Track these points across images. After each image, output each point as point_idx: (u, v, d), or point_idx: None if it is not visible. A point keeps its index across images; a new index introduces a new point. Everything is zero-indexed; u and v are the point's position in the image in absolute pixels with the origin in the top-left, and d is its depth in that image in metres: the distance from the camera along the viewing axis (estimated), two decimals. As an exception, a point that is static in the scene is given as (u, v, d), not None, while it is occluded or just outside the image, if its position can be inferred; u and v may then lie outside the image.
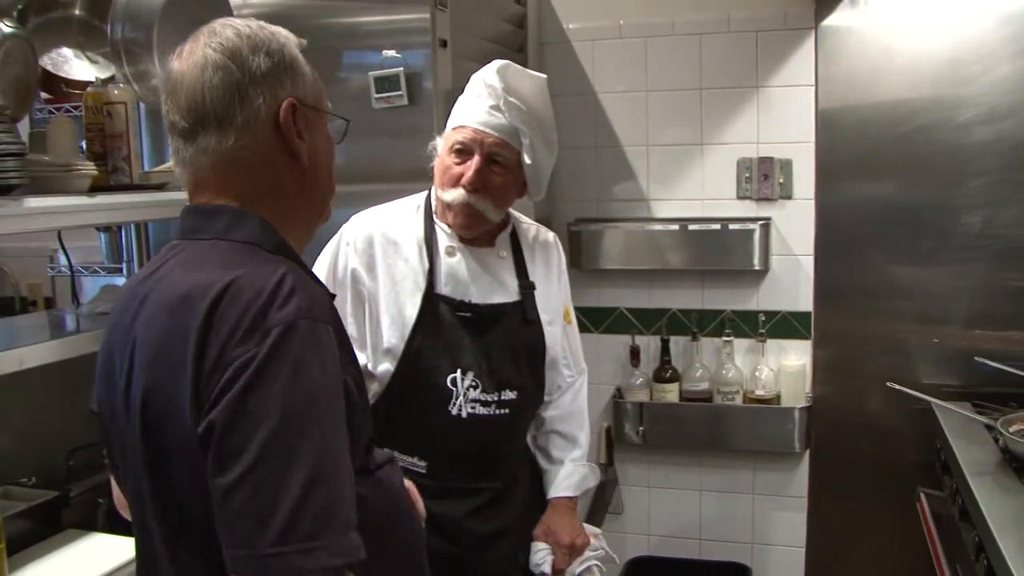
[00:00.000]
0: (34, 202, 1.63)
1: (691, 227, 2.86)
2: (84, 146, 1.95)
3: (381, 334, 1.79)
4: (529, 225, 2.00)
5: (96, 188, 1.82)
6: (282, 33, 1.18)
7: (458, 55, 2.29)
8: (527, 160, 1.80)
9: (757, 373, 2.86)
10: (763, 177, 2.84)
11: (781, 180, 2.82)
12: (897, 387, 2.37)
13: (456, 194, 1.78)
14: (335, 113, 1.24)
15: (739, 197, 2.88)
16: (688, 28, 2.87)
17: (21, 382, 1.79)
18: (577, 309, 2.11)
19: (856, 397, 2.79)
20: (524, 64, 2.90)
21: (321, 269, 1.83)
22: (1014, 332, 2.59)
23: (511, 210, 1.95)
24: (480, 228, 1.85)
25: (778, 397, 2.86)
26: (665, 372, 2.94)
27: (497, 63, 1.81)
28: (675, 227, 2.88)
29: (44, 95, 2.20)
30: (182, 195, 1.98)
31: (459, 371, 1.79)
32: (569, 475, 1.97)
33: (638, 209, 3.00)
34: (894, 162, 2.69)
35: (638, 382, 2.97)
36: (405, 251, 1.83)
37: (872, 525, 2.76)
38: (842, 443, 2.83)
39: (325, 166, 1.21)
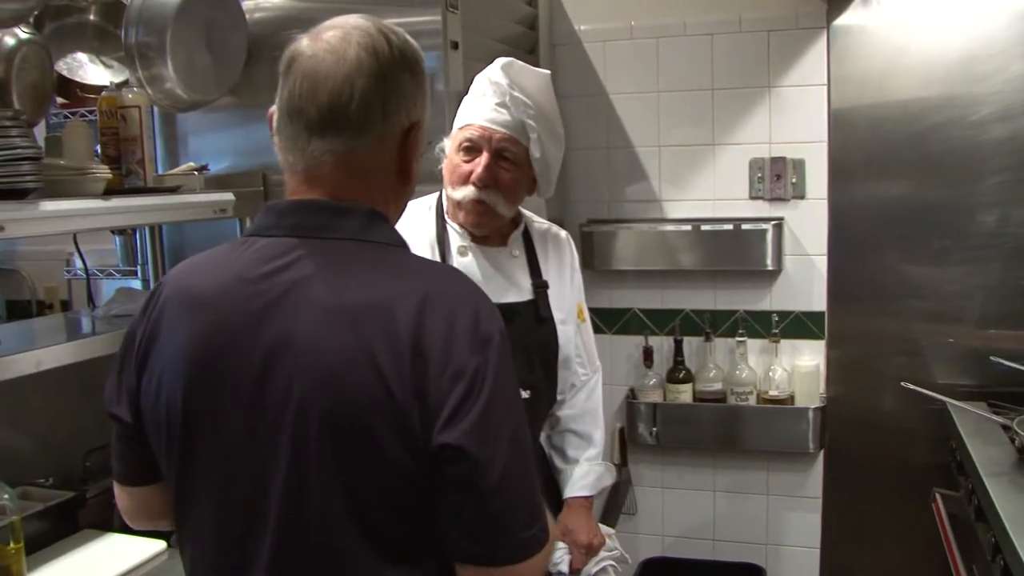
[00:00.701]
0: (50, 205, 1.65)
1: (703, 227, 2.85)
2: (99, 150, 1.96)
3: None
4: (541, 223, 2.00)
5: (110, 191, 1.83)
6: (415, 44, 1.17)
7: (469, 57, 2.29)
8: (535, 154, 1.80)
9: (771, 373, 2.85)
10: (776, 177, 2.83)
11: (794, 180, 2.82)
12: (912, 387, 2.36)
13: (467, 191, 1.79)
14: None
15: (752, 197, 2.88)
16: (699, 29, 2.87)
17: (38, 384, 1.81)
18: (590, 310, 2.11)
19: (870, 397, 2.78)
20: (536, 65, 2.92)
21: None
22: (1029, 332, 2.58)
23: (523, 209, 1.95)
24: (492, 225, 1.85)
25: (792, 397, 2.85)
26: (678, 373, 2.93)
27: (500, 60, 1.82)
28: (687, 228, 2.87)
29: (60, 100, 2.21)
30: (196, 198, 2.03)
31: None
32: (585, 474, 1.98)
33: (650, 210, 2.99)
34: (907, 161, 2.67)
35: (651, 383, 2.97)
36: (417, 252, 1.83)
37: (887, 526, 2.75)
38: (857, 443, 2.82)
39: (416, 184, 1.22)
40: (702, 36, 2.87)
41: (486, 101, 1.80)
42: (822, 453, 2.87)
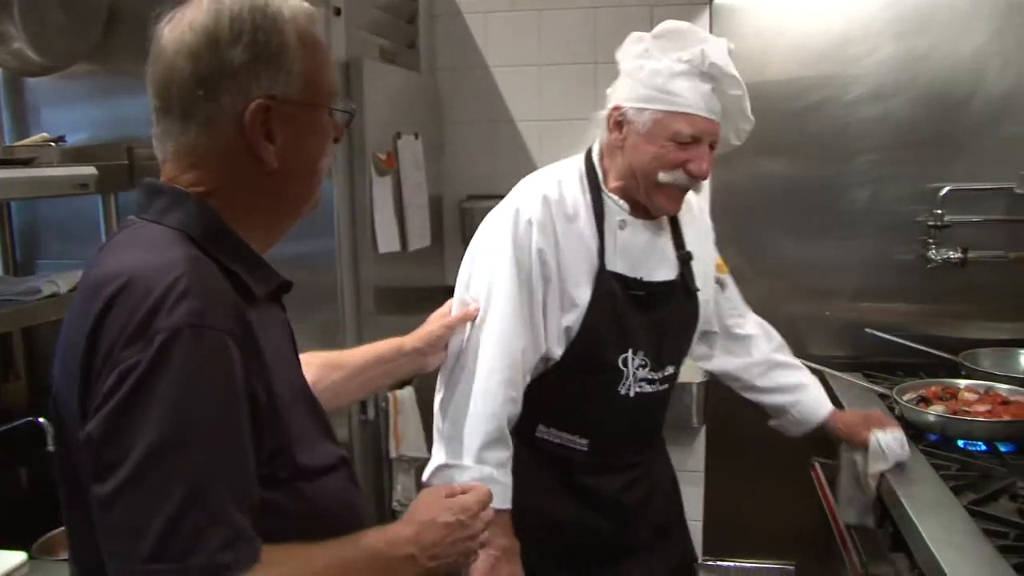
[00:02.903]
0: None
1: (586, 203, 2.83)
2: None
3: (557, 315, 1.70)
4: None
5: (-49, 163, 1.64)
6: (283, 14, 1.06)
7: (352, 24, 2.20)
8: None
9: (655, 349, 2.86)
10: (659, 153, 2.83)
11: (676, 156, 2.83)
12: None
13: (679, 177, 1.68)
14: (336, 107, 1.12)
15: (634, 173, 2.87)
16: (582, 1, 2.84)
17: None
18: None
19: (751, 370, 2.83)
20: (415, 36, 2.82)
21: (503, 247, 1.68)
22: (900, 304, 2.70)
23: None
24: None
25: (676, 372, 2.87)
26: (564, 350, 2.91)
27: (714, 39, 1.68)
28: (571, 204, 2.84)
29: None
30: (52, 171, 1.83)
31: (630, 351, 1.73)
32: (820, 393, 2.04)
33: (533, 186, 2.95)
34: (786, 139, 2.74)
35: (537, 361, 2.94)
36: (578, 226, 1.72)
37: (768, 495, 2.83)
38: (737, 416, 2.82)
39: (306, 166, 1.11)
40: (585, 9, 2.85)
41: (700, 85, 1.65)
42: (704, 427, 2.92)
